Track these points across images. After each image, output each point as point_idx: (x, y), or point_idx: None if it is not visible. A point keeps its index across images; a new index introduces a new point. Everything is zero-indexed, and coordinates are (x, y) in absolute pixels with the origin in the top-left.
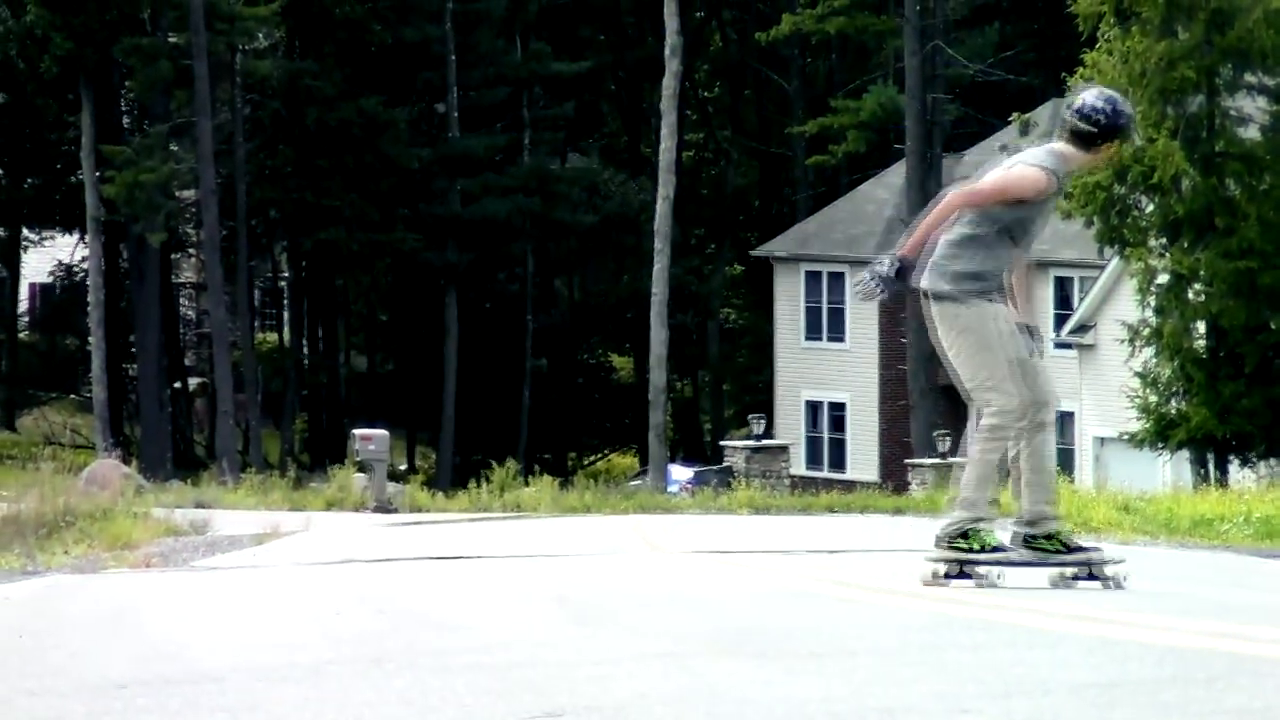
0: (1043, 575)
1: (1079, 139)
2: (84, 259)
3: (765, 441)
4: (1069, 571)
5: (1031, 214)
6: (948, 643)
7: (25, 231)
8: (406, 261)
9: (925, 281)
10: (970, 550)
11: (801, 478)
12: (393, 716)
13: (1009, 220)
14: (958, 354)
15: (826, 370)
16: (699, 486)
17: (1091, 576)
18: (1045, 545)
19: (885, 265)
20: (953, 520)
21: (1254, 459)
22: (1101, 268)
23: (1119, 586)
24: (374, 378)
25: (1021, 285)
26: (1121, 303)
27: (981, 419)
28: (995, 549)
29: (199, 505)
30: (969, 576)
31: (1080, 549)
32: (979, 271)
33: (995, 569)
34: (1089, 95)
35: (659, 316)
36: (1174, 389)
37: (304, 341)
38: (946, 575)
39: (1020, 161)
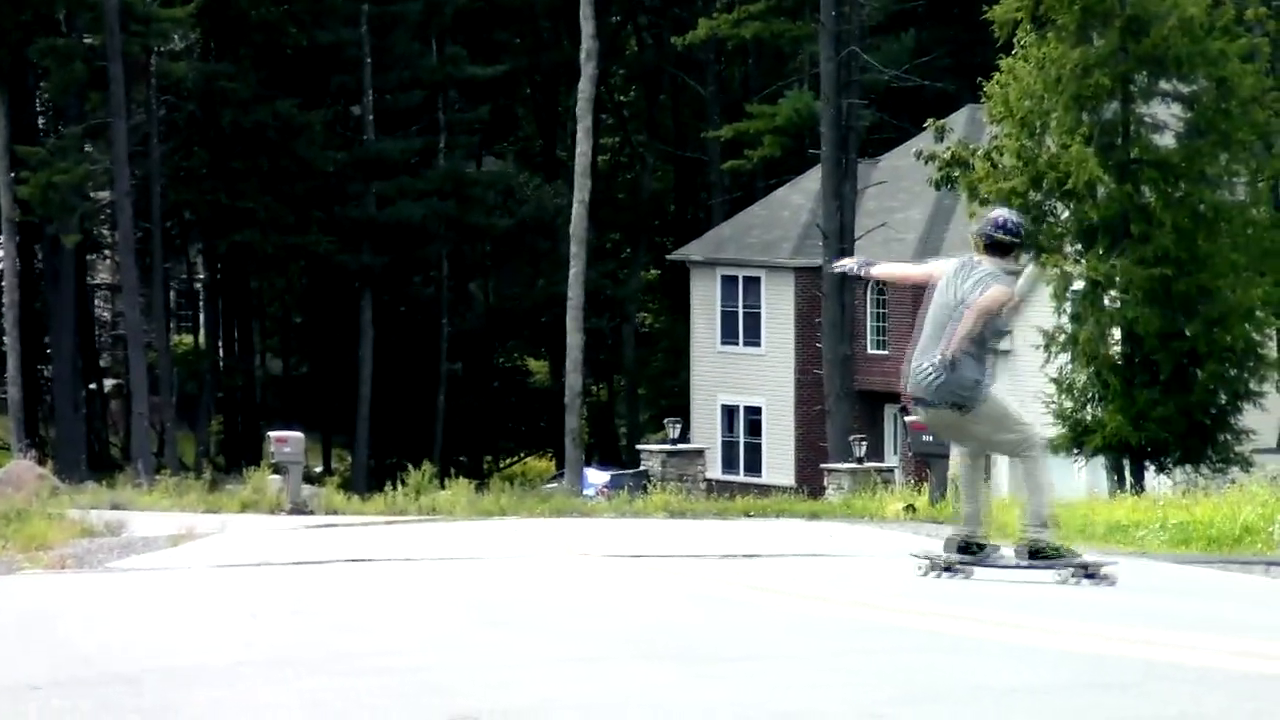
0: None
1: (1001, 249)
2: None
3: (681, 445)
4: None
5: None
6: (861, 648)
7: None
8: (321, 264)
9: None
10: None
11: (718, 482)
12: (304, 718)
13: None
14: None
15: (742, 374)
16: (615, 490)
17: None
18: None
19: (938, 362)
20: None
21: (1169, 465)
22: (1017, 274)
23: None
24: (289, 380)
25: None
26: (1037, 308)
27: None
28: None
29: (114, 507)
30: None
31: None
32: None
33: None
34: (1004, 213)
35: (575, 320)
36: (1089, 395)
37: (219, 344)
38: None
39: (987, 278)
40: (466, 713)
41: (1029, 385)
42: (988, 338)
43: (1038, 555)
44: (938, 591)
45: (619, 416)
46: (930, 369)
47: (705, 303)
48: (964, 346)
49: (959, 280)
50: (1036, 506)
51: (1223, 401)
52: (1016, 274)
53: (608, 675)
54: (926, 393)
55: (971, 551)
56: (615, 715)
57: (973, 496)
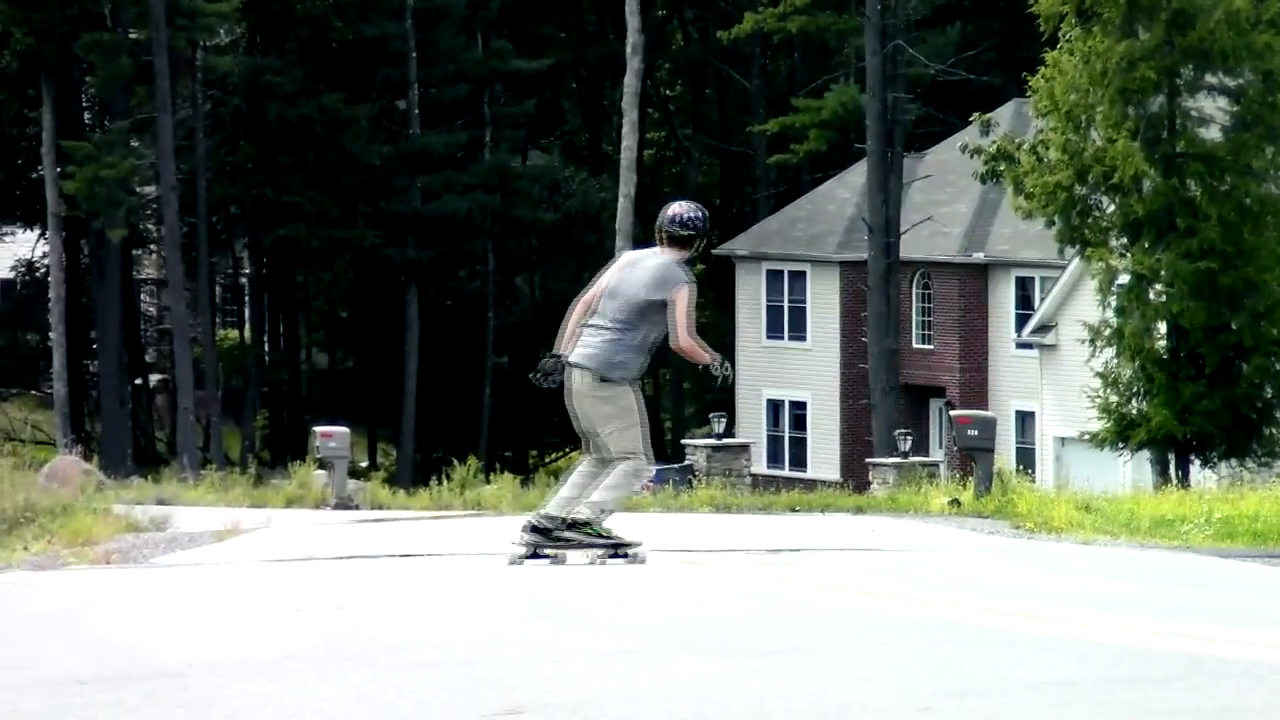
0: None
1: (682, 242)
2: (45, 255)
3: (726, 440)
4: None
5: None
6: (905, 640)
7: None
8: (367, 258)
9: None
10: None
11: (763, 476)
12: (350, 713)
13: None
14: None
15: (788, 369)
16: (660, 485)
17: (616, 556)
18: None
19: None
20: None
21: (1214, 459)
22: (1062, 268)
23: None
24: (335, 374)
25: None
26: (1082, 303)
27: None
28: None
29: (159, 502)
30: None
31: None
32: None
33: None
34: (683, 207)
35: None
36: (1134, 389)
37: (265, 338)
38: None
39: (680, 282)
40: (516, 706)
41: (1075, 379)
42: (650, 331)
43: (575, 527)
44: (982, 586)
45: (664, 411)
46: (603, 340)
47: (750, 297)
48: (694, 344)
49: (633, 268)
50: (602, 498)
51: (1268, 395)
52: (693, 263)
53: (655, 669)
54: (583, 358)
55: (541, 531)
56: (664, 709)
57: (573, 487)
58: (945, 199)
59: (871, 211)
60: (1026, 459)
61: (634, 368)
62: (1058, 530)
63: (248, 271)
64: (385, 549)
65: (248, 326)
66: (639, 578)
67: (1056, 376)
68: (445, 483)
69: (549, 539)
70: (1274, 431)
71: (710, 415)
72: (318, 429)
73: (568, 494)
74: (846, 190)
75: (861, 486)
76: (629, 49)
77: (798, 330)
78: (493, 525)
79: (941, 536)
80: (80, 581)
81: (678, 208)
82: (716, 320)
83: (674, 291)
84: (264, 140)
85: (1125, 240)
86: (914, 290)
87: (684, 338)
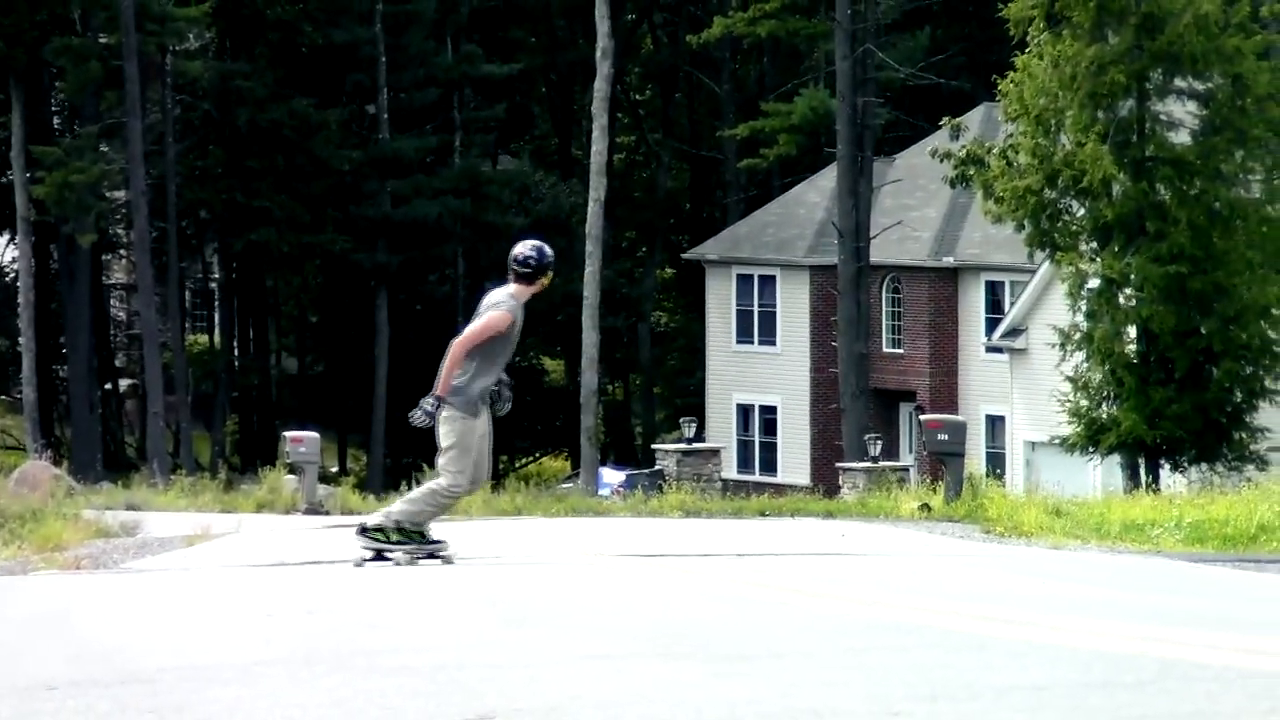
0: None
1: (523, 278)
2: (14, 260)
3: (696, 445)
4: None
5: (504, 341)
6: (875, 645)
7: None
8: (337, 263)
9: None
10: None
11: (733, 481)
12: (323, 717)
13: (490, 349)
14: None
15: (758, 373)
16: (630, 490)
17: (432, 556)
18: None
19: (430, 403)
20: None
21: (1184, 464)
22: (1032, 272)
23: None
24: (305, 379)
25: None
26: (1052, 307)
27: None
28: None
29: (130, 507)
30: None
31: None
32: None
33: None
34: (523, 247)
35: (590, 319)
36: (1104, 393)
37: (234, 343)
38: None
39: (492, 306)
40: (487, 711)
41: (1045, 384)
42: (476, 356)
43: (367, 532)
44: (952, 590)
45: (634, 416)
46: (424, 403)
47: (720, 301)
48: (456, 355)
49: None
50: (404, 510)
51: (1238, 399)
52: (524, 303)
53: (628, 674)
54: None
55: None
56: (640, 712)
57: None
58: (915, 203)
59: (841, 216)
60: (997, 463)
61: (466, 394)
62: (1028, 535)
63: (217, 276)
64: (356, 554)
65: (218, 331)
66: (611, 582)
67: (1026, 381)
68: (416, 487)
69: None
70: (1244, 436)
71: (681, 420)
72: (288, 434)
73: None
74: (816, 194)
75: (832, 491)
76: (599, 53)
77: (768, 335)
78: (462, 530)
79: (912, 541)
80: (51, 587)
81: (519, 247)
82: (686, 324)
83: (484, 310)
84: (234, 145)
85: (1095, 244)
86: (884, 294)
87: (456, 343)
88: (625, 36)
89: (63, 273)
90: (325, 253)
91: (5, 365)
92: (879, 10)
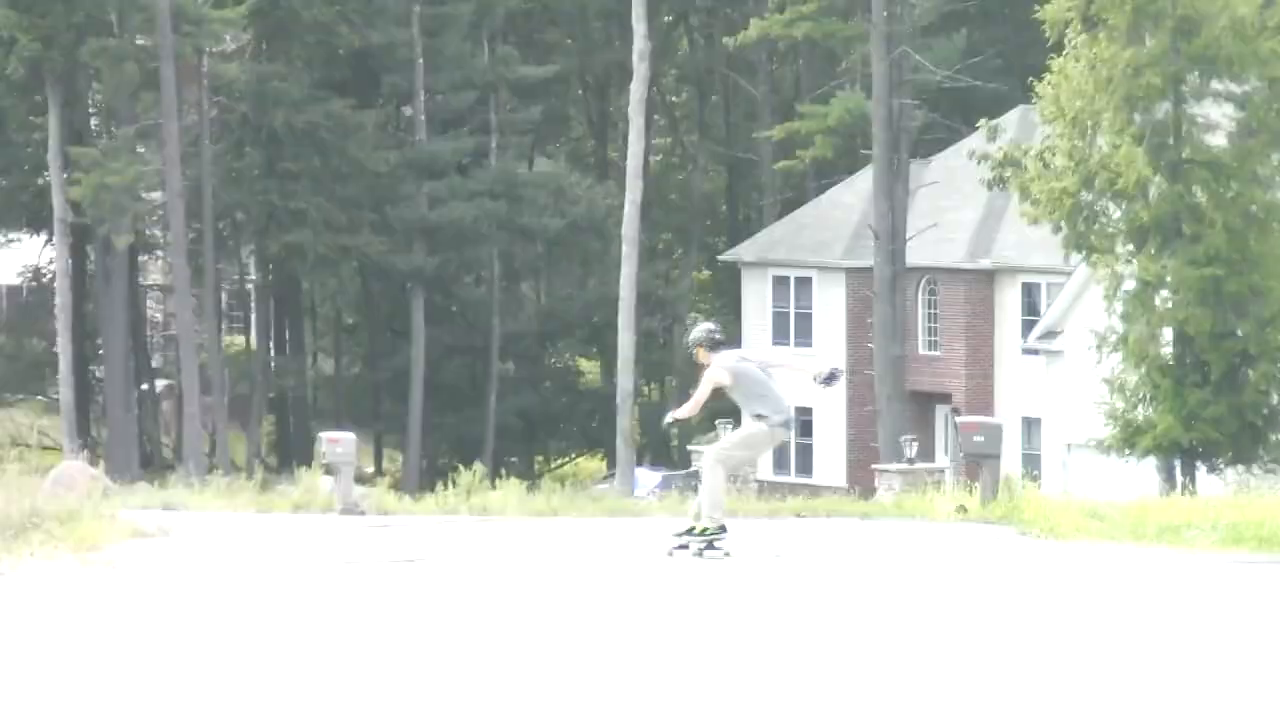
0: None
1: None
2: (51, 261)
3: None
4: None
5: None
6: (909, 639)
7: None
8: (373, 265)
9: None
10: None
11: (769, 483)
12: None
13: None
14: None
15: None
16: (666, 491)
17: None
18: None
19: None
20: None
21: (1221, 466)
22: (1069, 274)
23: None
24: (341, 380)
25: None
26: (1089, 309)
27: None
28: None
29: (166, 507)
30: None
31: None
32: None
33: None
34: (705, 327)
35: (626, 321)
36: (1140, 396)
37: (271, 344)
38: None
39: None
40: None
41: (1081, 386)
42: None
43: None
44: (990, 590)
45: None
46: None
47: (757, 303)
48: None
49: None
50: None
51: (1274, 401)
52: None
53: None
54: None
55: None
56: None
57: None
58: (951, 205)
59: (878, 218)
60: (1033, 465)
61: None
62: (1064, 536)
63: (254, 278)
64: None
65: (254, 332)
66: (653, 581)
67: (1063, 383)
68: (451, 489)
69: None
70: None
71: (716, 422)
72: (324, 434)
73: None
74: (852, 196)
75: (867, 493)
76: (635, 55)
77: (804, 336)
78: (497, 531)
79: (948, 542)
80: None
81: (700, 330)
82: (723, 326)
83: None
84: (270, 147)
85: (1131, 246)
86: (920, 296)
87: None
88: (662, 38)
89: (99, 274)
90: (361, 254)
91: (42, 366)
92: (915, 13)
